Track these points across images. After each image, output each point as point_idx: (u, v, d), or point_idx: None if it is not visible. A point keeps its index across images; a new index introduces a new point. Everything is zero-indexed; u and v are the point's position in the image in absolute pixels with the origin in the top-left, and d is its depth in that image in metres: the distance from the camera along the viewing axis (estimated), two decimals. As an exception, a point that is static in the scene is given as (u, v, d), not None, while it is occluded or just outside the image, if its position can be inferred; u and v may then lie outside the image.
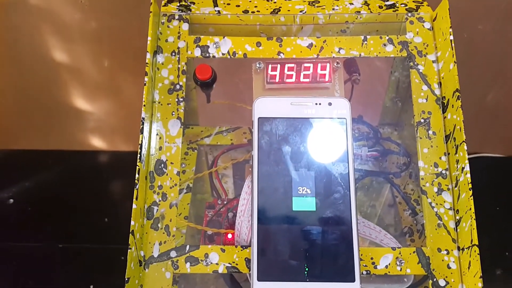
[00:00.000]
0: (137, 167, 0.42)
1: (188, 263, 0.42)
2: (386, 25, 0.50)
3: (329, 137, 0.43)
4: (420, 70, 0.47)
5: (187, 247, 0.42)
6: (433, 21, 0.48)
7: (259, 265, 0.40)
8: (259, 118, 0.44)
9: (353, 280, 0.40)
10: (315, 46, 0.47)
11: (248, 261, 0.42)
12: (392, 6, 0.49)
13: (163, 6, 0.50)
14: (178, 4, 0.50)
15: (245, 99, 0.55)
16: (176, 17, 0.48)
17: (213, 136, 0.58)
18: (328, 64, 0.47)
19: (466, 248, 0.41)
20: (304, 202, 0.42)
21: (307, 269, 0.40)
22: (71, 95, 0.86)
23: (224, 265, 0.42)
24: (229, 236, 0.48)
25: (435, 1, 0.50)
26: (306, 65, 0.47)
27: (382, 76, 0.55)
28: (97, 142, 0.97)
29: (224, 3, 0.50)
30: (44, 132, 0.88)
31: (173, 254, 0.42)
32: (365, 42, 0.47)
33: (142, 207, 0.43)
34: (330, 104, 0.44)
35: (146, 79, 0.45)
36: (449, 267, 0.42)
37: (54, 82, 0.83)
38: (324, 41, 0.48)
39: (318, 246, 0.41)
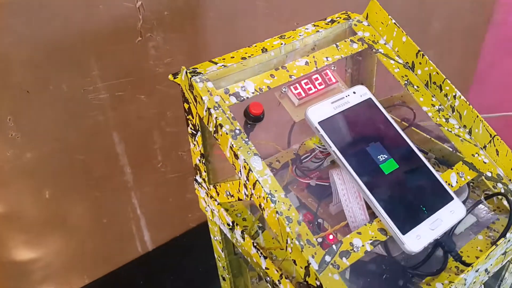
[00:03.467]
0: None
1: (344, 258, 0.46)
2: (337, 35, 0.64)
3: (370, 113, 0.54)
4: (382, 52, 0.62)
5: (334, 246, 0.46)
6: (366, 19, 0.64)
7: (396, 224, 0.48)
8: (318, 122, 0.52)
9: (452, 199, 0.51)
10: (310, 62, 0.58)
11: (381, 230, 0.48)
12: (333, 21, 0.64)
13: (173, 80, 0.54)
14: (187, 72, 0.54)
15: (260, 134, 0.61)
16: (198, 80, 0.53)
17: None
18: (328, 70, 0.58)
19: (487, 144, 0.56)
20: (389, 165, 0.51)
21: (423, 208, 0.49)
22: (12, 249, 0.75)
23: (368, 243, 0.47)
24: (331, 237, 0.54)
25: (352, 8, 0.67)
26: (314, 76, 0.58)
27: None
28: (52, 291, 0.84)
29: (220, 59, 0.57)
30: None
31: (327, 258, 0.45)
32: (338, 48, 0.60)
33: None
34: (354, 92, 0.55)
35: (226, 128, 0.48)
36: (485, 162, 0.56)
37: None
38: (313, 56, 0.59)
39: (418, 188, 0.51)
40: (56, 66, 0.67)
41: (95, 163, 0.78)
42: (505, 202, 0.55)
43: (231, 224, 0.57)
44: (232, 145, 0.48)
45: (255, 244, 0.53)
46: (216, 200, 0.59)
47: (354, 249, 0.47)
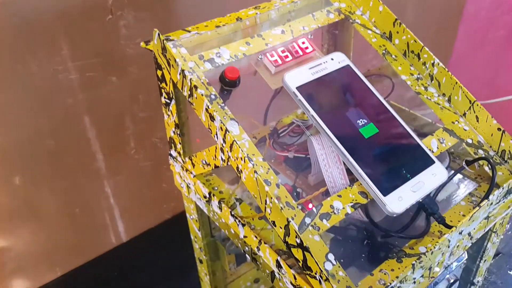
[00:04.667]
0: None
1: (324, 220, 0.44)
2: (312, 5, 0.62)
3: (348, 79, 0.53)
4: (359, 22, 0.61)
5: (314, 209, 0.45)
6: (343, -9, 0.63)
7: (377, 186, 0.46)
8: (296, 87, 0.50)
9: (433, 162, 0.50)
10: (286, 31, 0.57)
11: (362, 193, 0.47)
12: (308, -8, 0.63)
13: (145, 46, 0.52)
14: (159, 35, 0.52)
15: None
16: (171, 46, 0.51)
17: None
18: (305, 39, 0.57)
19: (467, 111, 0.56)
20: (369, 129, 0.50)
21: (405, 171, 0.48)
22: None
23: (348, 206, 0.46)
24: (310, 206, 0.52)
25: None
26: (290, 45, 0.56)
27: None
28: (21, 285, 0.80)
29: (193, 28, 0.55)
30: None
31: (307, 220, 0.44)
32: (314, 17, 0.59)
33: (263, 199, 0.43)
34: (332, 59, 0.54)
35: (202, 91, 0.46)
36: (465, 130, 0.55)
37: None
38: (290, 25, 0.58)
39: (399, 152, 0.50)
40: (24, 43, 0.63)
41: (66, 148, 0.75)
42: (486, 168, 0.55)
43: (207, 195, 0.55)
44: (208, 106, 0.46)
45: (232, 213, 0.51)
46: (192, 173, 0.56)
47: (335, 211, 0.45)
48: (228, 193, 0.55)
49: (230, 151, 0.46)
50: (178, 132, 0.55)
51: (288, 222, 0.42)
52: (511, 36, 1.45)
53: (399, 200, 0.46)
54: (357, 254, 0.51)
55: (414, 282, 0.45)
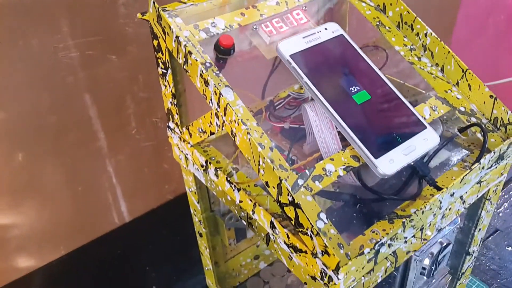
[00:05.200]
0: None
1: (317, 181, 0.45)
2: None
3: (342, 48, 0.54)
4: (353, -4, 0.62)
5: (307, 171, 0.46)
6: (337, -35, 0.64)
7: (369, 149, 0.47)
8: (290, 55, 0.51)
9: (425, 127, 0.51)
10: (281, 2, 0.58)
11: (354, 157, 0.48)
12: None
13: (142, 17, 0.53)
14: (154, 3, 0.53)
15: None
16: (167, 15, 0.52)
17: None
18: (300, 10, 0.58)
19: (459, 80, 0.56)
20: (361, 96, 0.51)
21: (396, 135, 0.49)
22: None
23: (340, 168, 0.47)
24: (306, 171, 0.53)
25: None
26: (285, 16, 0.57)
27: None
28: (25, 263, 0.82)
29: (189, 0, 0.56)
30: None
31: (300, 182, 0.45)
32: (309, -10, 0.60)
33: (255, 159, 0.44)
34: (326, 28, 0.55)
35: (196, 57, 0.47)
36: (458, 98, 0.56)
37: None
38: (284, -3, 0.58)
39: (391, 118, 0.51)
40: (25, 20, 0.65)
41: (68, 126, 0.76)
42: (479, 135, 0.55)
43: (204, 164, 0.56)
44: (202, 71, 0.47)
45: (229, 179, 0.52)
46: (189, 143, 0.57)
47: (327, 173, 0.46)
48: (225, 162, 0.56)
49: (225, 115, 0.47)
50: (175, 103, 0.56)
51: (280, 180, 0.43)
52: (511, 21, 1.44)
53: (390, 163, 0.47)
54: (350, 218, 0.52)
55: (406, 242, 0.46)
